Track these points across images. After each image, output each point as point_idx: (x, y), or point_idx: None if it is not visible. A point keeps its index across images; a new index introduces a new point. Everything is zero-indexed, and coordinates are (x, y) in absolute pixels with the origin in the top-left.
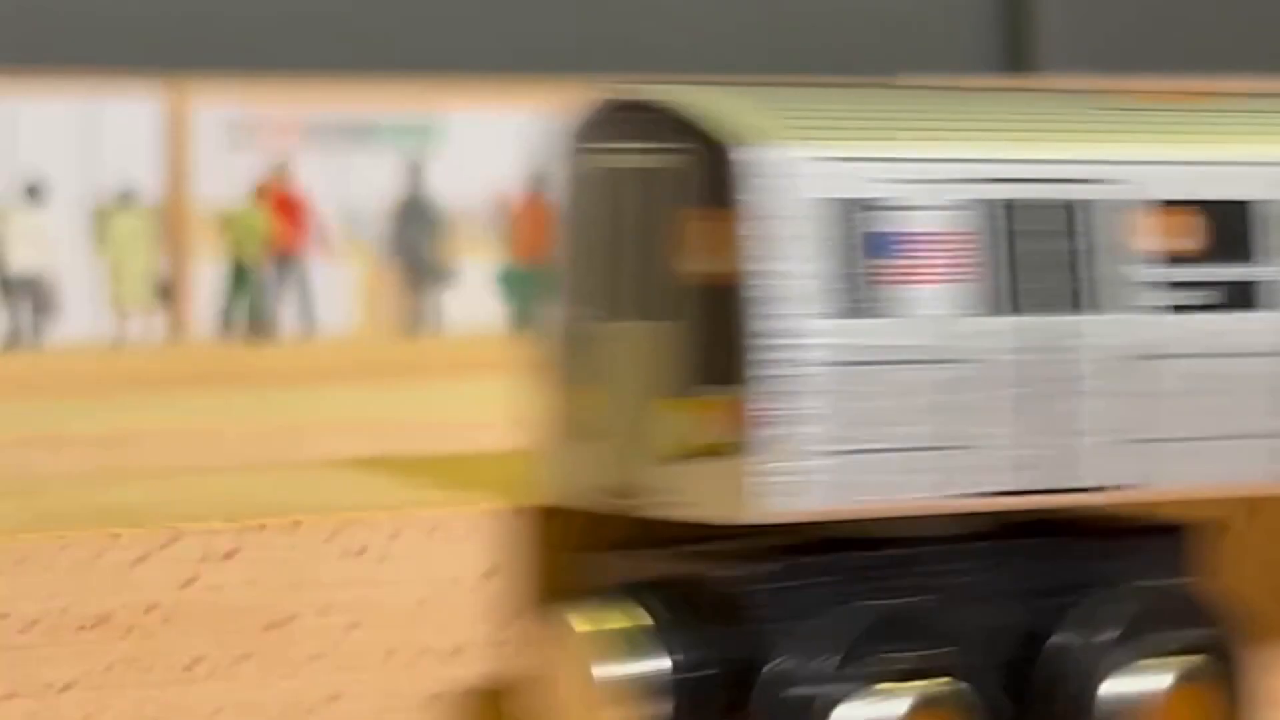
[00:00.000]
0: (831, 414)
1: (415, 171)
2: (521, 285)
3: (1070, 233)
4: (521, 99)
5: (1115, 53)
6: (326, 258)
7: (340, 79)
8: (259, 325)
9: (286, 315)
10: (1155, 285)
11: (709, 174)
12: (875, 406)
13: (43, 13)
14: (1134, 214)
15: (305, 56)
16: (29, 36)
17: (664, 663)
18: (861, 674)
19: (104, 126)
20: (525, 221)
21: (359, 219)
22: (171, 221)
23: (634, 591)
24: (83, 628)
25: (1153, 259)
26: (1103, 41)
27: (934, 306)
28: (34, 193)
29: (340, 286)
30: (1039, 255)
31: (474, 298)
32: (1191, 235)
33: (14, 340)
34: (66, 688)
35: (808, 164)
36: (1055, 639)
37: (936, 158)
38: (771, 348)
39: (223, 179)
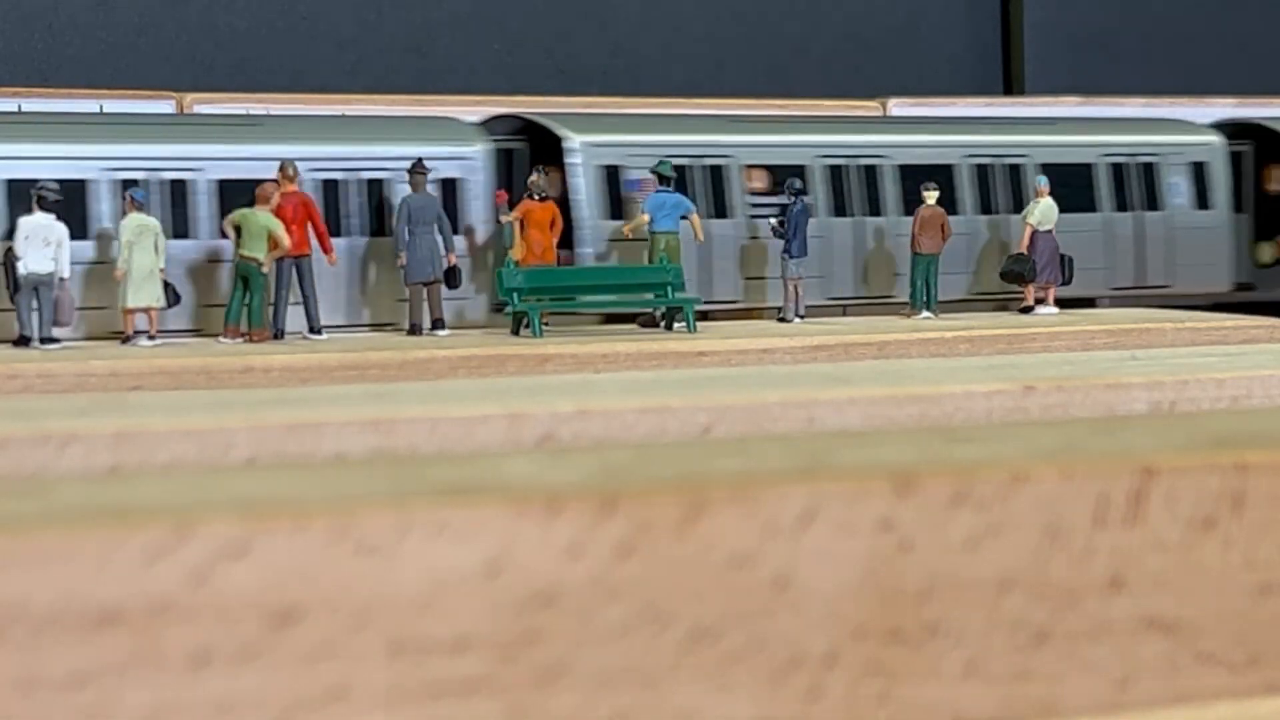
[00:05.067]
0: None
1: (419, 172)
2: (521, 284)
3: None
4: (517, 105)
5: (1097, 74)
6: (332, 257)
7: (343, 90)
8: (265, 324)
9: (293, 314)
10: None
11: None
12: None
13: (54, 30)
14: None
15: (309, 69)
16: (40, 52)
17: None
18: None
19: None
20: (525, 223)
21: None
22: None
23: None
24: (95, 624)
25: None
26: (1085, 62)
27: None
28: (41, 192)
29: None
30: None
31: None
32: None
33: (23, 339)
34: (79, 683)
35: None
36: None
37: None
38: None
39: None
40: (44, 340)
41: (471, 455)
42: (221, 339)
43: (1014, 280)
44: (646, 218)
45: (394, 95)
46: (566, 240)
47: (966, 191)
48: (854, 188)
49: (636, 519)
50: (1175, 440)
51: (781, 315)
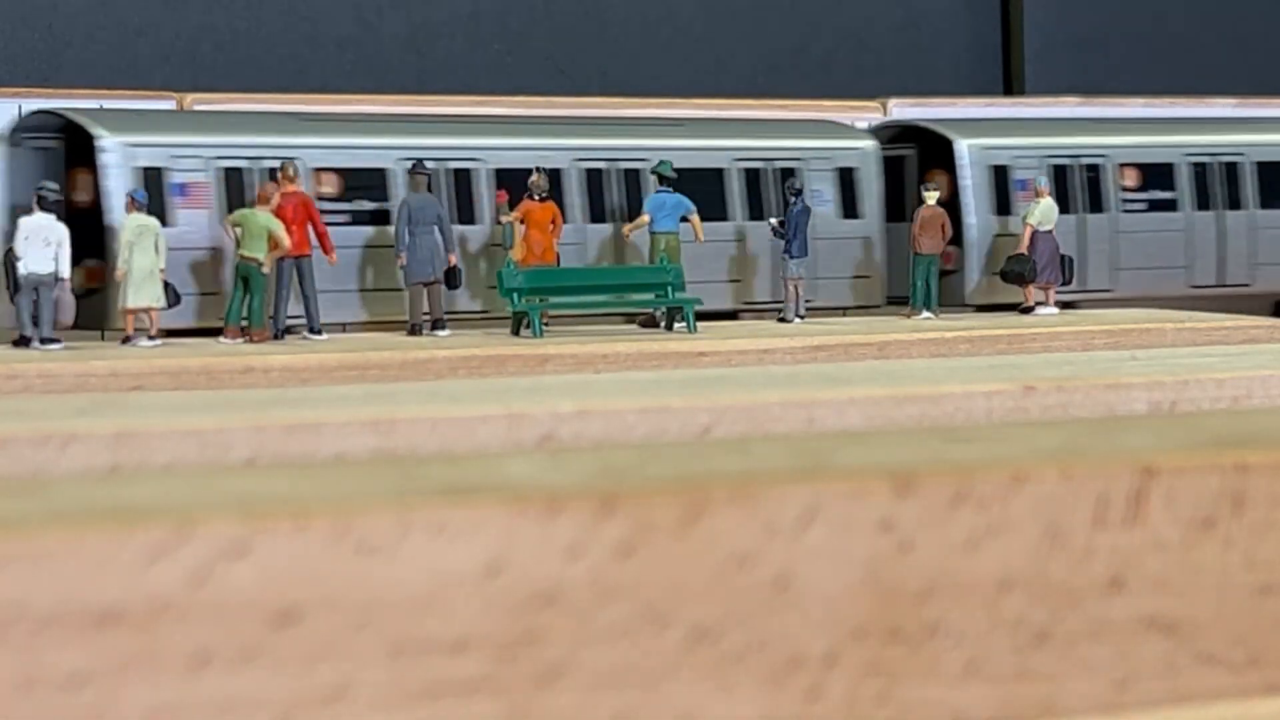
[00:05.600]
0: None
1: (419, 173)
2: (521, 284)
3: None
4: (514, 106)
5: (1097, 74)
6: (332, 257)
7: (343, 90)
8: (265, 324)
9: (292, 314)
10: None
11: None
12: None
13: (54, 30)
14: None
15: (309, 69)
16: (40, 52)
17: None
18: None
19: None
20: (526, 223)
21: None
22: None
23: None
24: (95, 624)
25: None
26: (1085, 62)
27: None
28: (41, 193)
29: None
30: None
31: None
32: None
33: (23, 340)
34: (79, 683)
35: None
36: None
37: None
38: None
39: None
40: (44, 340)
41: (471, 455)
42: (222, 339)
43: (1014, 280)
44: (647, 218)
45: (394, 95)
46: (100, 250)
47: (576, 198)
48: (444, 193)
49: (636, 519)
50: (1175, 440)
51: (781, 315)
